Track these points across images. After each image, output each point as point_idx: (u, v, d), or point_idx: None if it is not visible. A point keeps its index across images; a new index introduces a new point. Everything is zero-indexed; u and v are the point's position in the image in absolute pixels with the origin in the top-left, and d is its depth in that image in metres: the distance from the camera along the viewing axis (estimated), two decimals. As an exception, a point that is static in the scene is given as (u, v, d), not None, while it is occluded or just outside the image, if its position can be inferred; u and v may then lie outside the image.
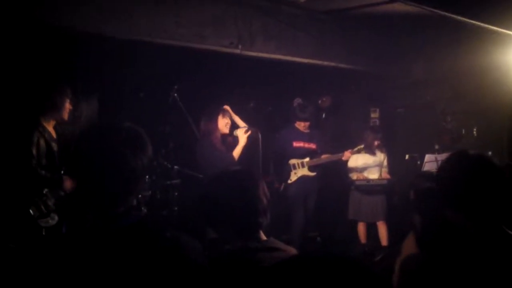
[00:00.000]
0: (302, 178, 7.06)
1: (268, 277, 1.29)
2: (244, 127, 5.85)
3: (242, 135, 5.74)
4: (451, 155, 2.13)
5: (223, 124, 5.76)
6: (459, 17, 6.46)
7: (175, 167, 6.72)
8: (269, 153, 7.11)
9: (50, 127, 5.25)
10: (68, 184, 5.15)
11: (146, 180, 6.30)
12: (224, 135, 5.82)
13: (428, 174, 4.45)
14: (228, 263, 2.12)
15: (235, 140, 5.82)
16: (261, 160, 5.69)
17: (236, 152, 5.73)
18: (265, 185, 2.41)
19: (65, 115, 5.31)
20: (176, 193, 6.81)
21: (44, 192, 4.95)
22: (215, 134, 5.76)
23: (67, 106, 5.30)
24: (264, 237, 2.37)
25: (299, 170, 7.07)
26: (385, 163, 7.40)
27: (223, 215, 2.30)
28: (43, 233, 4.90)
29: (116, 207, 1.83)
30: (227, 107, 5.89)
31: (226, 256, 2.25)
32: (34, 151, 4.99)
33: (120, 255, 1.72)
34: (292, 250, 2.34)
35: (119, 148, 1.81)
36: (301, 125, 7.09)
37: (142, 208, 6.20)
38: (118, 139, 1.83)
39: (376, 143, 7.28)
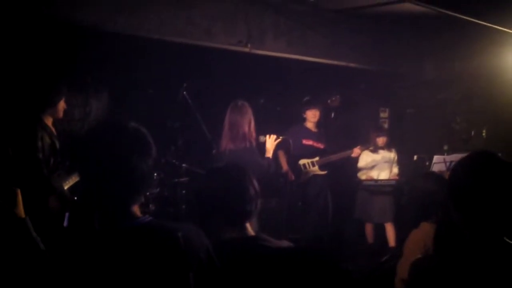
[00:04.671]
0: (313, 177, 7.09)
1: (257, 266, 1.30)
2: (273, 135, 5.74)
3: (272, 143, 5.64)
4: (468, 155, 2.06)
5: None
6: (468, 18, 6.44)
7: (183, 165, 6.71)
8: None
9: (50, 124, 5.27)
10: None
11: (154, 177, 6.30)
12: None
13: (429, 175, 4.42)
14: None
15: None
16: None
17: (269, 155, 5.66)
18: (254, 179, 2.50)
19: (60, 114, 5.32)
20: (183, 191, 6.81)
21: None
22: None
23: (62, 104, 5.31)
24: (251, 231, 2.45)
25: (310, 170, 7.09)
26: (396, 161, 7.39)
27: (213, 205, 2.42)
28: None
29: (119, 209, 1.83)
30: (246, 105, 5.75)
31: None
32: (39, 145, 5.01)
33: (129, 256, 1.72)
34: (282, 243, 2.41)
35: (124, 150, 1.80)
36: (310, 123, 7.12)
37: (150, 205, 6.21)
38: (122, 140, 1.83)
39: (379, 141, 7.26)
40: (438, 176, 4.04)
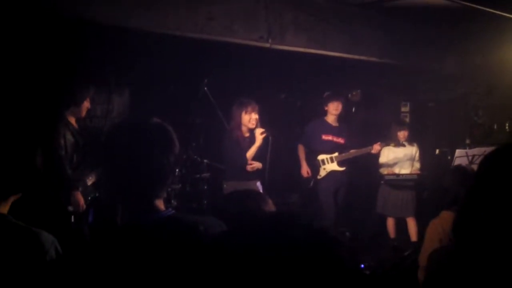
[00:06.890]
0: (332, 173, 7.07)
1: None
2: (262, 129, 5.85)
3: (258, 136, 5.77)
4: (497, 148, 2.00)
5: (247, 120, 5.79)
6: (490, 9, 6.38)
7: (205, 160, 6.76)
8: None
9: (73, 122, 5.35)
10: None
11: (176, 173, 6.35)
12: (251, 130, 5.86)
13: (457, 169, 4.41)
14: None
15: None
16: (269, 162, 5.86)
17: (250, 153, 5.80)
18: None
19: (83, 113, 5.42)
20: (205, 187, 6.86)
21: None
22: (240, 129, 5.82)
23: (86, 104, 5.39)
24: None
25: (328, 166, 7.08)
26: (417, 157, 7.34)
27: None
28: (72, 220, 5.01)
29: (143, 203, 1.84)
30: (252, 103, 5.88)
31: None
32: (62, 142, 5.09)
33: (152, 248, 1.74)
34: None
35: (146, 145, 1.82)
36: (331, 117, 7.10)
37: (172, 201, 6.26)
38: (146, 136, 1.85)
39: (401, 135, 7.19)
40: (466, 170, 4.03)
